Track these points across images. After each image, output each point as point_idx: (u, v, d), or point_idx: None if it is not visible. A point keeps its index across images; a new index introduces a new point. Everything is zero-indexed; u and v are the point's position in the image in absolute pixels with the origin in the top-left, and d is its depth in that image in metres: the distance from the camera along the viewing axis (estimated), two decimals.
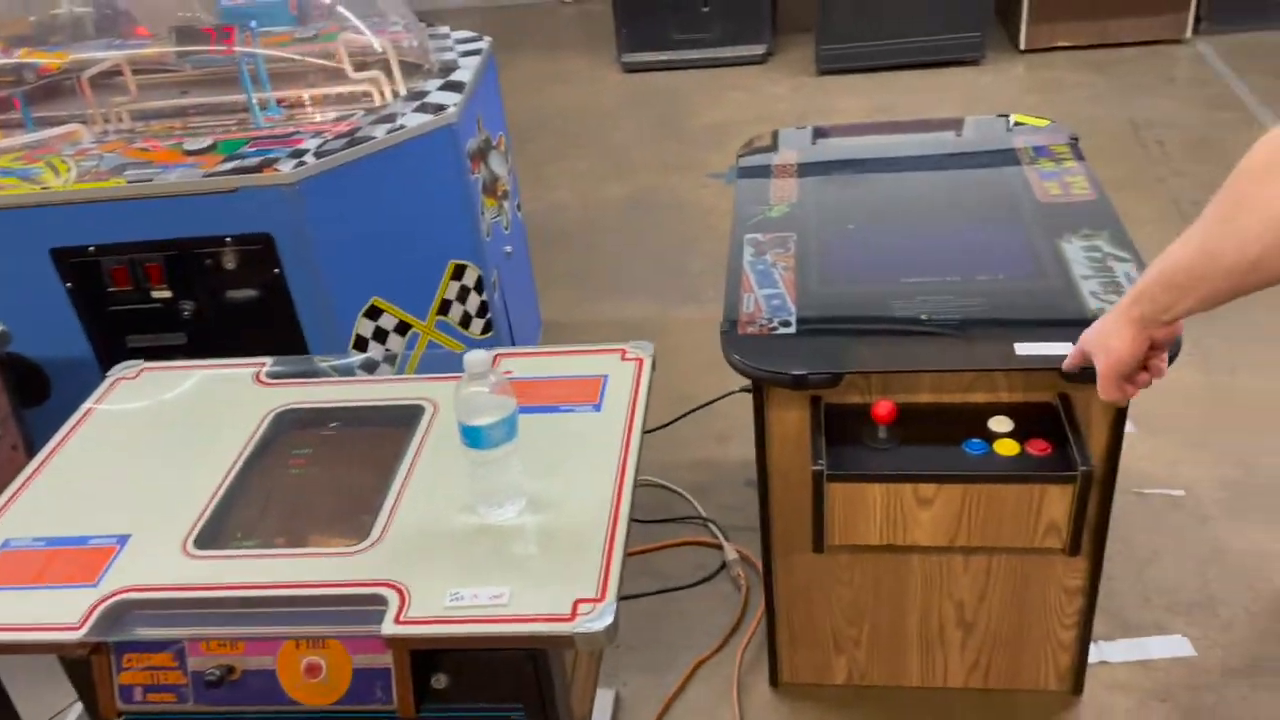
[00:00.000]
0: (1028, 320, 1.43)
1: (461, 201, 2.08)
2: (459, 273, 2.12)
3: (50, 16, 2.48)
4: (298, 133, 1.97)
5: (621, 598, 2.09)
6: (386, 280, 2.02)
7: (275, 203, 1.83)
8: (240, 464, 1.41)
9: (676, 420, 2.44)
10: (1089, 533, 1.58)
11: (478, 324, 2.20)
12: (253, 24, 2.13)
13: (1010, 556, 1.62)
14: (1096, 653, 1.83)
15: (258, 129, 2.06)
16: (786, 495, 1.61)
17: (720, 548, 2.15)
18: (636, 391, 1.48)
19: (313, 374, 1.63)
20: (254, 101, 2.11)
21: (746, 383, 1.48)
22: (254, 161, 1.85)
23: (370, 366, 1.74)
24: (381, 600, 1.16)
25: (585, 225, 3.49)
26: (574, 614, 1.12)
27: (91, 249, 1.89)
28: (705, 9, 4.61)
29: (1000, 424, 1.44)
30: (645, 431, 2.43)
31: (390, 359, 2.00)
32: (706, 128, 4.13)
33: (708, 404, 2.43)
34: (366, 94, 2.14)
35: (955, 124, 2.02)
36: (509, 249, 2.39)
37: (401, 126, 1.95)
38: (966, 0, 4.26)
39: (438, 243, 2.08)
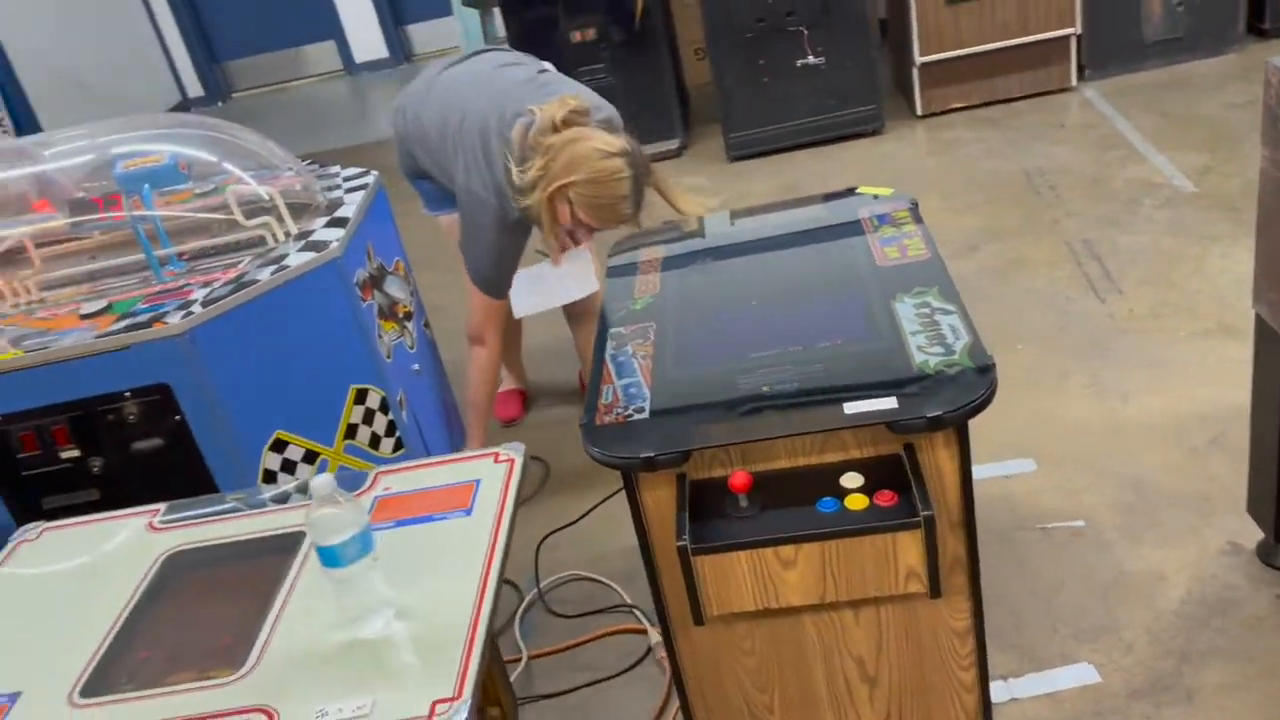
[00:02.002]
0: (859, 379, 1.52)
1: (355, 330, 2.17)
2: (361, 397, 2.20)
3: None
4: (188, 285, 2.07)
5: (552, 695, 2.14)
6: (289, 413, 2.09)
7: (168, 354, 1.92)
8: (129, 610, 1.47)
9: (593, 510, 2.49)
10: (962, 573, 1.63)
11: (388, 443, 2.27)
12: (145, 187, 2.25)
13: (896, 606, 1.67)
14: (1006, 690, 1.87)
15: (161, 284, 2.16)
16: (672, 573, 1.66)
17: (645, 633, 2.20)
18: (506, 492, 1.55)
19: (209, 514, 1.70)
20: (154, 259, 2.22)
21: None
22: (145, 318, 1.95)
23: (283, 499, 1.80)
24: None
25: None
26: (431, 714, 1.17)
27: None
28: None
29: (851, 480, 1.51)
30: (570, 523, 2.49)
31: (302, 489, 2.06)
32: None
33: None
34: (260, 239, 2.25)
35: (809, 202, 2.14)
36: (417, 367, 2.48)
37: (286, 266, 2.05)
38: (860, 77, 4.47)
39: (336, 371, 2.17)
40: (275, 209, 2.27)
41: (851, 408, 1.45)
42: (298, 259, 2.08)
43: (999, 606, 2.03)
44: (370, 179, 2.45)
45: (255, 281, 2.01)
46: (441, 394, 2.66)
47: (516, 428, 3.04)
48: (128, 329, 1.93)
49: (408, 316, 2.49)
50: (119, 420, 1.98)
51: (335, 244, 2.12)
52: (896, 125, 4.61)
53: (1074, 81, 4.54)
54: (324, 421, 2.16)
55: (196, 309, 1.94)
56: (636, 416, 1.55)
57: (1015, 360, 2.80)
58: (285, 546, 1.53)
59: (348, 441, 2.20)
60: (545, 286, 2.63)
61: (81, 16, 6.53)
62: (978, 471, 2.37)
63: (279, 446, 2.09)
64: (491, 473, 1.60)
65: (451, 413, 2.72)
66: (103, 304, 2.05)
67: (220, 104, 7.64)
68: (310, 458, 2.15)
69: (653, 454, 1.47)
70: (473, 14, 5.50)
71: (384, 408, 2.25)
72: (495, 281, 2.45)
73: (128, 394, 1.95)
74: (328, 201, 2.35)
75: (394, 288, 2.43)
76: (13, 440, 1.98)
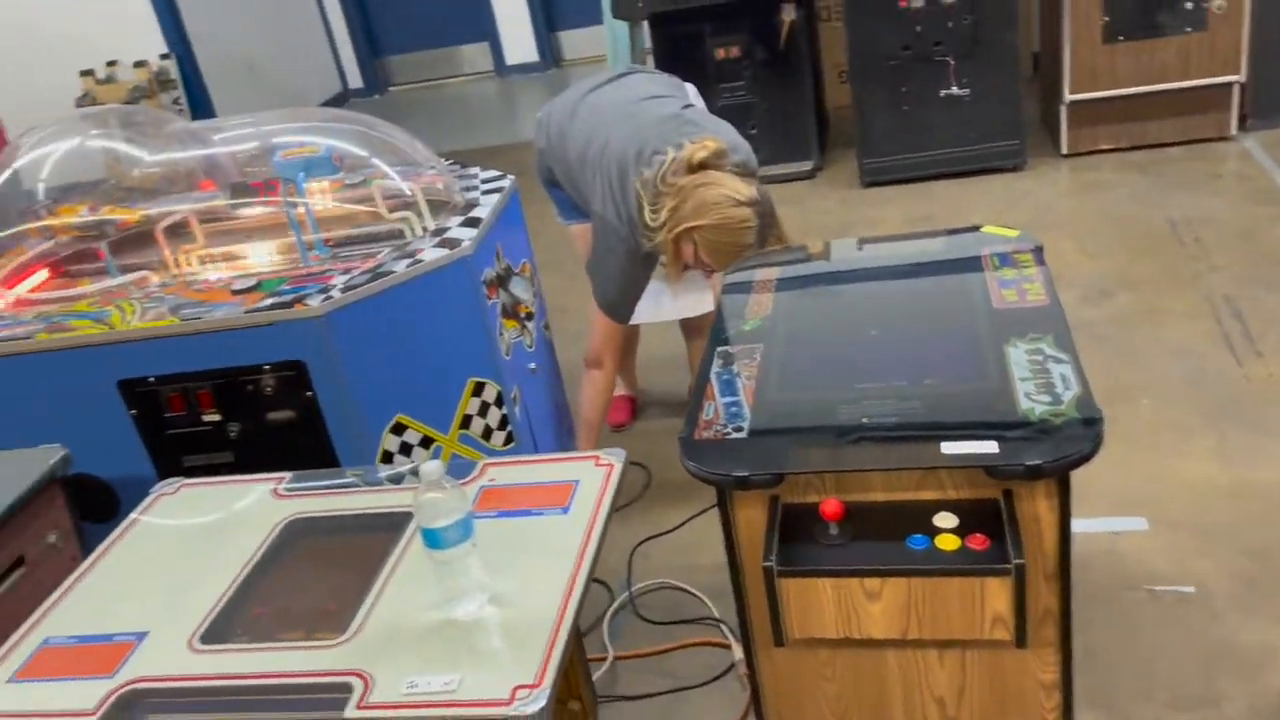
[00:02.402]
0: (962, 420, 1.52)
1: (478, 325, 2.27)
2: (478, 390, 2.30)
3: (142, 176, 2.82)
4: (329, 270, 2.20)
5: (633, 697, 2.19)
6: (410, 398, 2.20)
7: (306, 333, 2.05)
8: (250, 568, 1.58)
9: (688, 521, 2.53)
10: (1053, 626, 1.61)
11: (499, 436, 2.37)
12: (300, 176, 2.40)
13: (982, 651, 1.65)
14: None
15: (306, 267, 2.31)
16: (758, 592, 1.69)
17: (729, 648, 2.22)
18: (602, 495, 1.61)
19: (329, 486, 1.81)
20: (302, 243, 2.37)
21: None
22: (288, 298, 2.09)
23: (398, 479, 1.90)
24: (348, 688, 1.30)
25: None
26: (512, 699, 1.24)
27: (152, 380, 2.14)
28: (753, 130, 4.84)
29: (945, 520, 1.51)
30: (665, 531, 2.54)
31: (417, 472, 2.17)
32: None
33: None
34: (400, 232, 2.38)
35: (932, 236, 2.13)
36: (533, 366, 2.57)
37: (420, 261, 2.16)
38: (1005, 111, 4.38)
39: (457, 362, 2.27)
40: (416, 205, 2.40)
41: (950, 448, 1.45)
42: (431, 254, 2.19)
43: (1094, 664, 1.99)
44: (506, 183, 2.56)
45: (391, 272, 2.13)
46: (554, 393, 2.74)
47: (624, 434, 3.10)
48: (272, 307, 2.07)
49: (529, 317, 2.58)
50: (257, 391, 2.12)
51: (467, 243, 2.22)
52: (1039, 163, 4.50)
53: (1233, 130, 4.34)
54: (442, 410, 2.26)
55: (335, 293, 2.07)
56: (734, 435, 1.59)
57: (1138, 414, 2.71)
58: (394, 524, 1.62)
59: (462, 431, 2.31)
60: (661, 299, 2.70)
61: (260, 6, 6.94)
62: (1087, 525, 2.33)
63: (399, 429, 2.21)
64: (591, 475, 1.66)
65: (562, 412, 2.81)
66: (253, 281, 2.21)
67: (377, 96, 7.99)
68: (426, 443, 2.25)
69: (747, 474, 1.50)
70: (622, 25, 5.62)
71: (499, 402, 2.34)
72: (620, 307, 2.52)
73: (267, 367, 2.10)
74: (464, 201, 2.46)
75: (518, 288, 2.52)
76: (163, 400, 2.15)
